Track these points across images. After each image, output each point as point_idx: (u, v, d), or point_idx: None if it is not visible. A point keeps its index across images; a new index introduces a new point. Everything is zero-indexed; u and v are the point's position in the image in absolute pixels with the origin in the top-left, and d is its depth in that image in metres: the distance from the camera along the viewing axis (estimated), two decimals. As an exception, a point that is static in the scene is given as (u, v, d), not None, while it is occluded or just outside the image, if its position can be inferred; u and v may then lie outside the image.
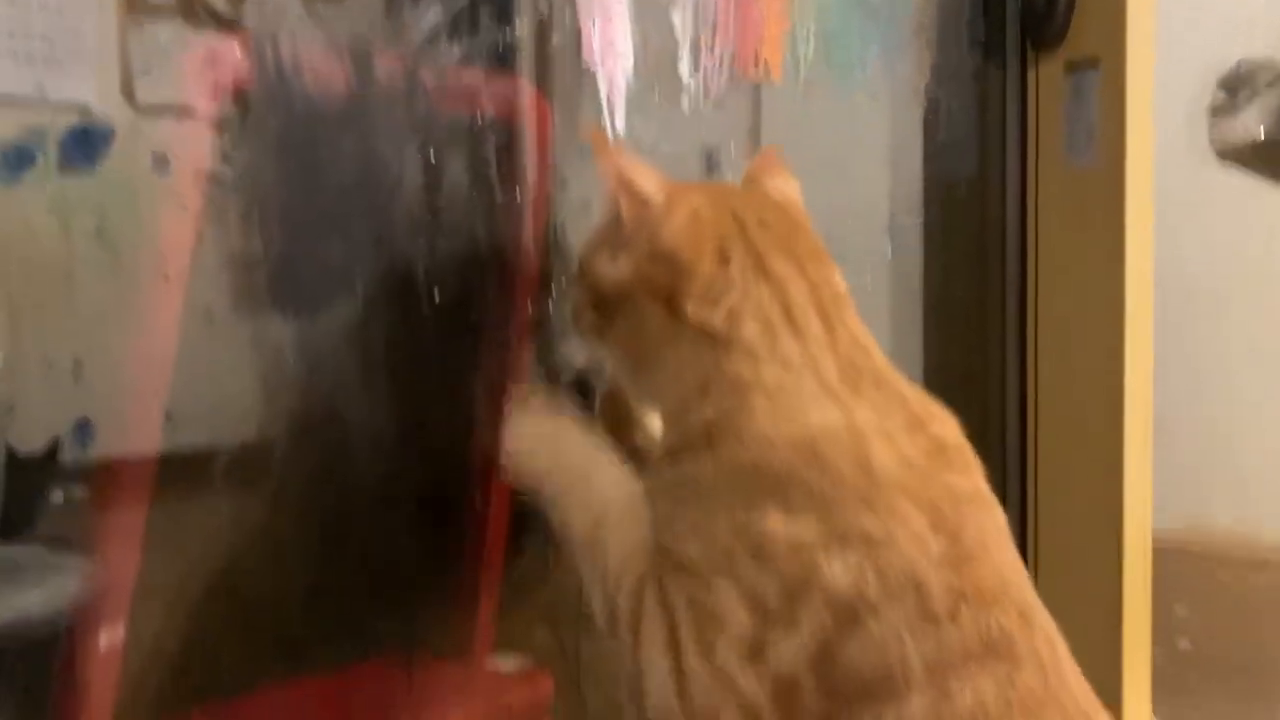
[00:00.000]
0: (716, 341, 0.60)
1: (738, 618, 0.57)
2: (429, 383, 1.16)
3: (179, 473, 1.06)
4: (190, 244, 1.06)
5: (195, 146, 1.05)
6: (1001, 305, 0.93)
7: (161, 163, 1.08)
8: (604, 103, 1.42)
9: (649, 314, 0.62)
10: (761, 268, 0.62)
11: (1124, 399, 0.88)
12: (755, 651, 0.56)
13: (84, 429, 1.05)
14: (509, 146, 1.17)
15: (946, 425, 0.62)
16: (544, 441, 0.70)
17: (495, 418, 1.18)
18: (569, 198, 1.44)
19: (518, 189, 1.07)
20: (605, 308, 0.65)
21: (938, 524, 0.57)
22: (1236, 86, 1.81)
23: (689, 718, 0.58)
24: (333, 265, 1.05)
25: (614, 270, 0.64)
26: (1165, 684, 1.02)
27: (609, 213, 0.65)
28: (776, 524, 0.57)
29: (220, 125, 1.07)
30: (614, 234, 0.64)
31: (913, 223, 0.98)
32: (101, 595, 0.90)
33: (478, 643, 1.14)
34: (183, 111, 1.04)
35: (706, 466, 0.60)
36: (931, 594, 0.56)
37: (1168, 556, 0.99)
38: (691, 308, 0.60)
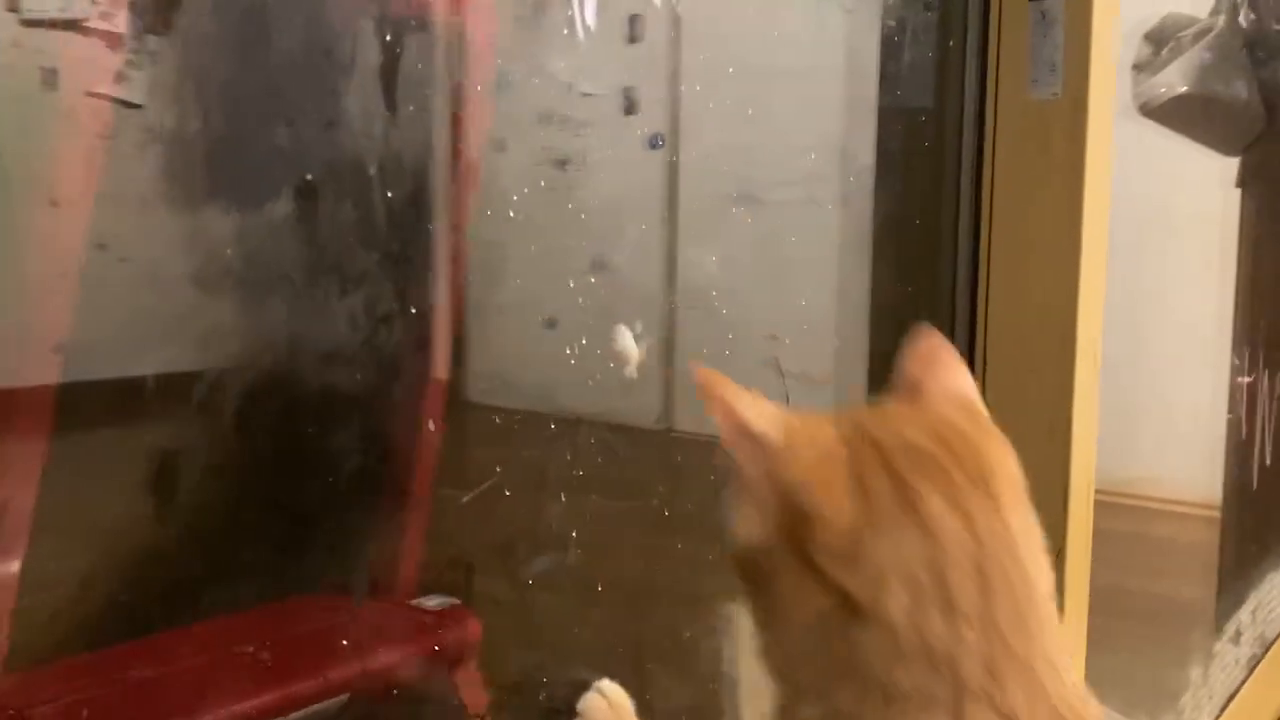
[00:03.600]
0: (853, 608, 0.49)
1: None
2: (354, 309, 1.10)
3: (86, 405, 0.99)
4: (86, 167, 0.98)
5: (90, 61, 0.97)
6: (954, 238, 0.91)
7: (50, 78, 0.99)
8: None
9: (783, 571, 0.51)
10: (910, 507, 0.50)
11: (1076, 338, 0.86)
12: None
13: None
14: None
15: None
16: None
17: (423, 341, 1.13)
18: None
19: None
20: (750, 579, 0.54)
21: None
22: (1161, 41, 1.82)
23: None
24: (254, 168, 0.98)
25: (745, 529, 0.52)
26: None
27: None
28: None
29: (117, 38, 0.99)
30: (741, 490, 0.54)
31: (864, 156, 0.95)
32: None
33: (401, 581, 1.09)
34: (74, 24, 0.96)
35: None
36: None
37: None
38: (825, 560, 0.49)
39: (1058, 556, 0.90)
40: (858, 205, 0.95)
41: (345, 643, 0.96)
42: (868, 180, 0.94)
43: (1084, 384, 0.87)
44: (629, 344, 1.29)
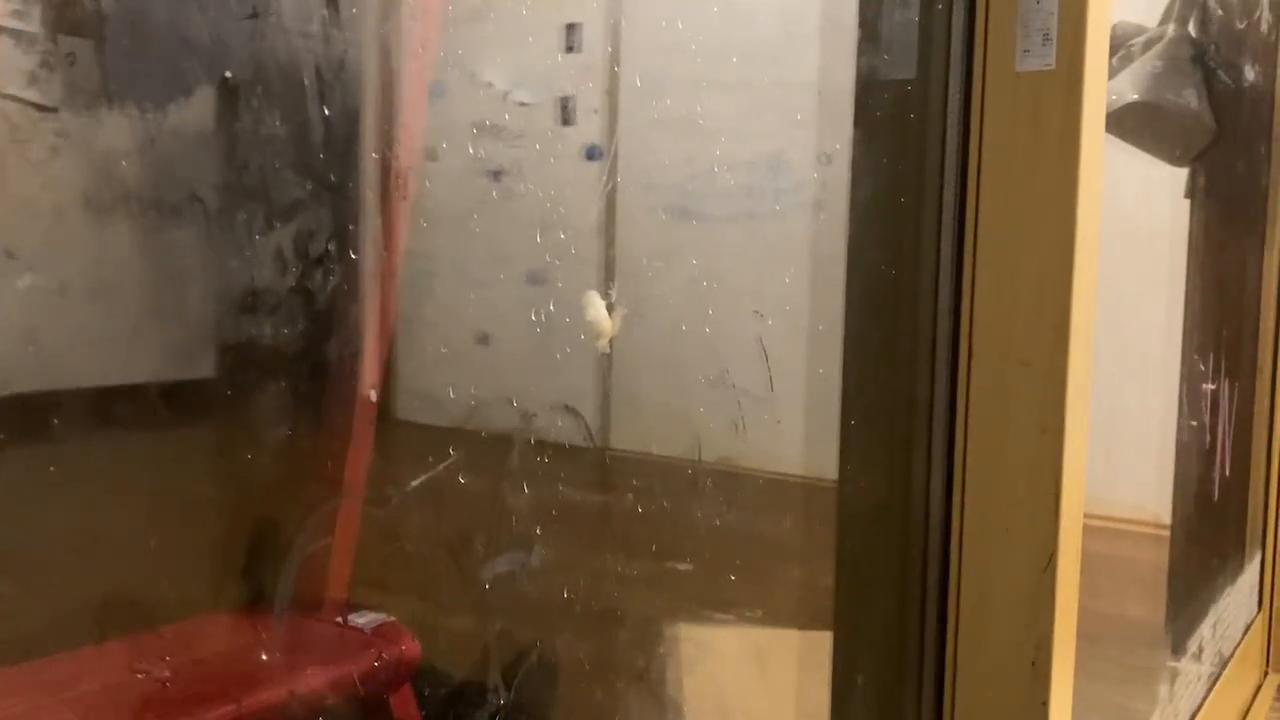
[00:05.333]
0: None
1: None
2: (278, 314, 1.00)
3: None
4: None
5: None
6: (937, 222, 0.84)
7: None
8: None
9: None
10: None
11: (1070, 328, 0.80)
12: None
13: None
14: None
15: None
16: None
17: (353, 347, 1.04)
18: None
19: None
20: None
21: None
22: (1111, 49, 1.80)
23: None
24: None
25: None
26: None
27: None
28: None
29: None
30: None
31: (839, 137, 0.88)
32: None
33: (329, 597, 0.99)
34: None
35: None
36: None
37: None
38: None
39: (1048, 566, 0.84)
40: (831, 190, 0.89)
41: (265, 664, 0.86)
42: (842, 164, 0.87)
43: (1078, 377, 0.81)
44: (601, 314, 1.21)
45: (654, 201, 2.69)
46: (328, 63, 0.98)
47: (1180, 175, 1.89)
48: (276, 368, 0.94)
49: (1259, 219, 2.10)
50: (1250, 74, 1.96)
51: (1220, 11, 1.83)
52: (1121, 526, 2.26)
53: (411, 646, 0.97)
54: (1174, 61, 1.79)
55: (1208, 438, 1.86)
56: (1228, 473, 1.92)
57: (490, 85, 2.35)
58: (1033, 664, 0.84)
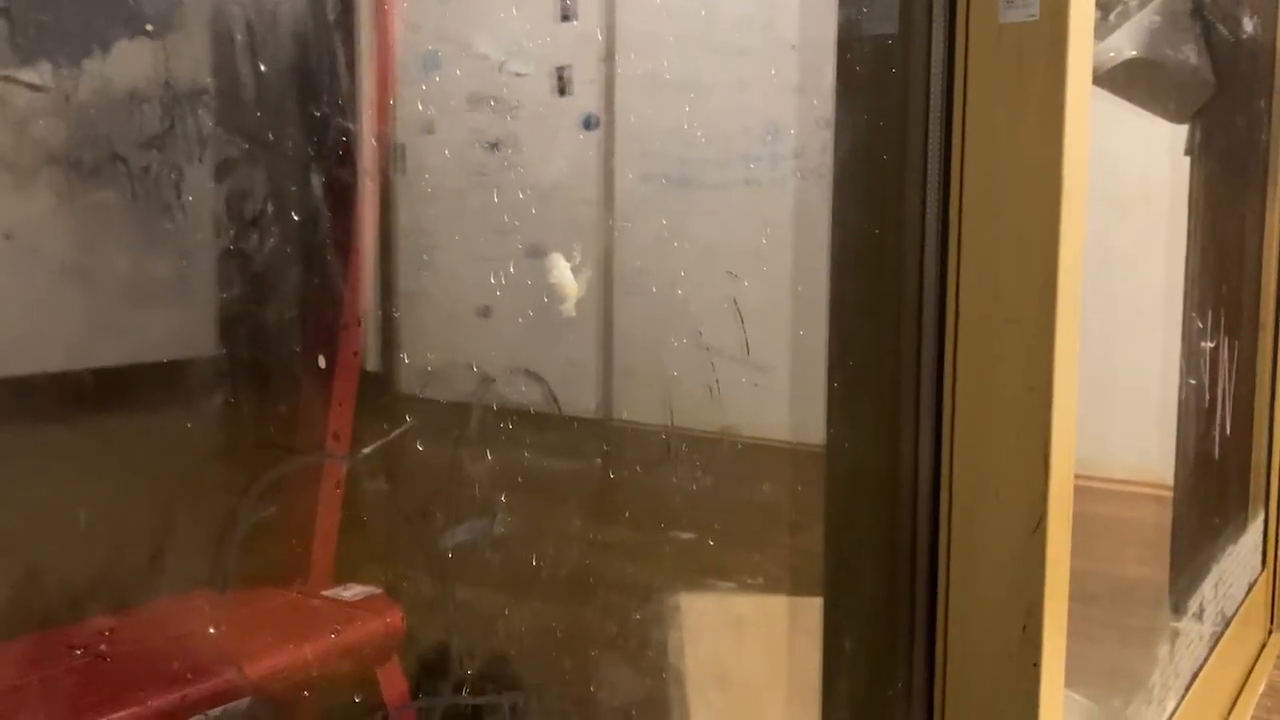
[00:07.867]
0: None
1: None
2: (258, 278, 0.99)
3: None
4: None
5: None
6: (922, 178, 0.83)
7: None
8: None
9: None
10: None
11: (1057, 285, 0.79)
12: None
13: None
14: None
15: None
16: None
17: (330, 320, 1.03)
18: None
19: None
20: None
21: None
22: (1109, 6, 1.77)
23: None
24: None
25: None
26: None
27: None
28: None
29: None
30: None
31: (821, 95, 0.86)
32: None
33: (314, 570, 0.99)
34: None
35: None
36: None
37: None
38: None
39: (1037, 528, 0.83)
40: (812, 151, 0.88)
41: (248, 639, 0.86)
42: (825, 122, 0.85)
43: (1066, 335, 0.80)
44: (566, 276, 1.19)
45: (652, 169, 2.67)
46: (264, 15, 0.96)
47: (1180, 132, 1.87)
48: (249, 334, 0.93)
49: (1260, 175, 2.07)
50: (1250, 27, 1.93)
51: (1219, -36, 1.80)
52: (1123, 488, 2.25)
53: (397, 618, 0.97)
54: (1172, 16, 1.76)
55: (1207, 396, 1.84)
56: (1228, 431, 1.91)
57: (485, 57, 2.33)
58: (1024, 627, 0.84)
